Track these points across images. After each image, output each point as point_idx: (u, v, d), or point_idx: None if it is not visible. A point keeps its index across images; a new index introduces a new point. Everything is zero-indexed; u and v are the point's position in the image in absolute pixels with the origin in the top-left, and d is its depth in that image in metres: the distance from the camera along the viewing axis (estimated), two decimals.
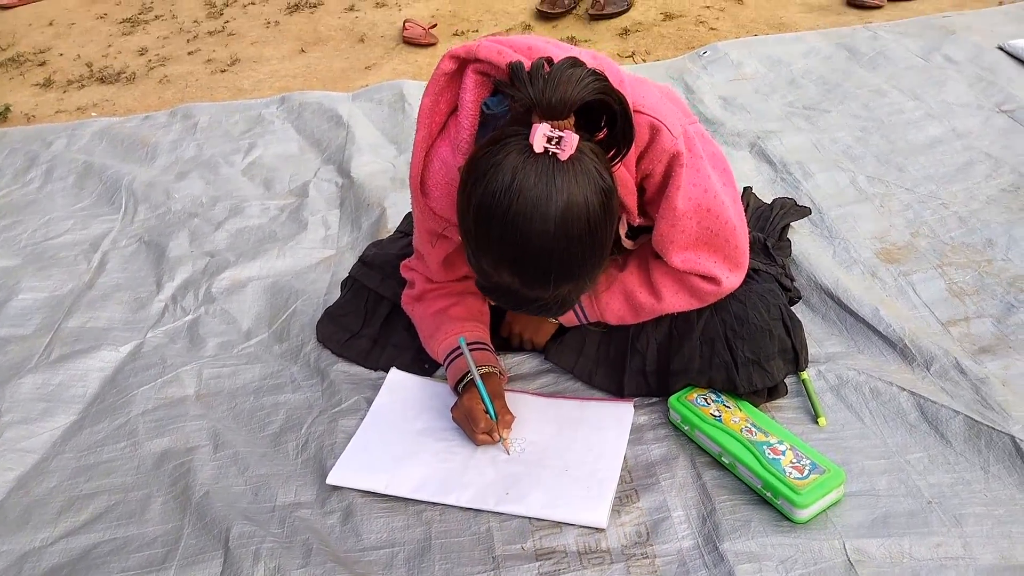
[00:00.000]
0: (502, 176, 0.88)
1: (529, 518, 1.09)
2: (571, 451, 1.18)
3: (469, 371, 1.20)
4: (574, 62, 0.90)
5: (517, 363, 1.38)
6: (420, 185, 1.13)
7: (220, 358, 1.49)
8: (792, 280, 1.39)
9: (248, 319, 1.59)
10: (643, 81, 1.13)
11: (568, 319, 1.30)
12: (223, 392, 1.41)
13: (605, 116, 0.94)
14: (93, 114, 2.62)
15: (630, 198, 1.11)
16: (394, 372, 1.33)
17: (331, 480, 1.16)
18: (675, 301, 1.21)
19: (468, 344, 1.25)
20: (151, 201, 2.02)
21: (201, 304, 1.64)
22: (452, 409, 1.22)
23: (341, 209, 1.90)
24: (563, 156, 0.88)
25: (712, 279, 1.19)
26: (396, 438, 1.22)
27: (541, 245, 0.89)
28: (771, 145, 1.87)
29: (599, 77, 0.90)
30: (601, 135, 0.95)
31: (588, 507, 1.08)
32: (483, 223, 0.91)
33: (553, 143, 0.88)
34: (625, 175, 1.08)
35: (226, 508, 1.15)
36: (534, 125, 0.89)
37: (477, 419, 1.18)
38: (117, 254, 1.86)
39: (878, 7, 2.63)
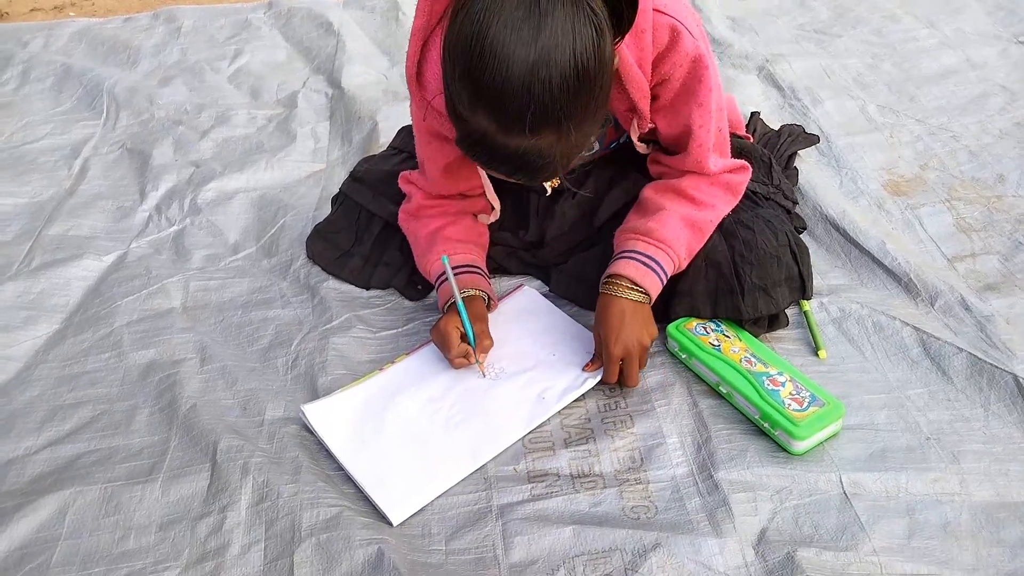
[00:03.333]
0: (483, 1, 0.82)
1: (559, 411, 1.11)
2: (536, 344, 1.20)
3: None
4: None
5: (513, 286, 1.34)
6: (416, 76, 1.07)
7: (207, 271, 1.45)
8: (794, 203, 1.35)
9: (235, 232, 1.54)
10: None
11: (651, 283, 1.12)
12: (210, 305, 1.37)
13: None
14: (71, 14, 2.50)
15: (644, 102, 1.07)
16: (309, 408, 1.13)
17: (397, 520, 1.00)
18: (723, 204, 1.16)
19: (459, 267, 1.22)
20: (133, 107, 1.94)
21: (187, 215, 1.59)
22: (432, 330, 1.19)
23: (331, 121, 1.83)
24: None
25: (740, 168, 1.17)
26: (392, 453, 1.08)
27: (518, 75, 0.81)
28: (780, 69, 1.81)
29: None
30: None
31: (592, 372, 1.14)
32: (460, 53, 0.84)
33: None
34: (640, 77, 1.04)
35: (214, 421, 1.13)
36: None
37: (450, 343, 1.14)
38: (99, 161, 1.79)
39: None
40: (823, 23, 2.01)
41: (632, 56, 1.02)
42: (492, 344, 1.18)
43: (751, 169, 1.19)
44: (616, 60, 0.97)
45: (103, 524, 1.03)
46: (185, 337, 1.29)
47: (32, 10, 2.52)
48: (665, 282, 1.14)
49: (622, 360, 1.11)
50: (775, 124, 1.61)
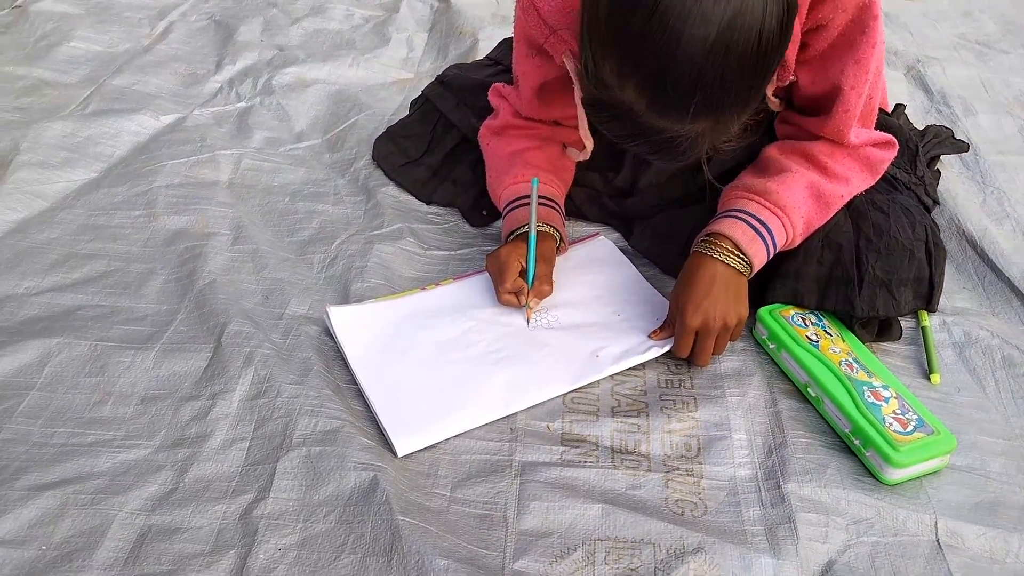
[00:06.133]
0: None
1: (612, 375, 0.96)
2: (600, 299, 1.05)
3: (527, 222, 1.01)
4: None
5: (587, 234, 1.18)
6: None
7: (264, 152, 1.33)
8: (936, 202, 1.16)
9: (303, 120, 1.43)
10: None
11: (758, 252, 0.95)
12: (258, 186, 1.25)
13: None
14: None
15: (790, 48, 0.89)
16: (335, 310, 0.99)
17: (402, 451, 0.86)
18: (859, 180, 0.98)
19: (539, 195, 1.06)
20: None
21: (258, 94, 1.48)
22: (488, 256, 1.03)
23: (430, 33, 1.70)
24: None
25: (886, 143, 0.98)
26: (414, 378, 0.94)
27: (692, 55, 0.67)
28: (932, 72, 1.60)
29: None
30: None
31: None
32: (619, 11, 0.69)
33: None
34: None
35: (229, 302, 1.01)
36: None
37: (506, 275, 0.99)
38: (184, 27, 1.70)
39: None
40: (988, 36, 1.79)
41: None
42: (551, 292, 1.03)
43: (897, 147, 1.01)
44: None
45: (82, 383, 0.92)
46: (223, 212, 1.18)
47: None
48: (771, 256, 0.96)
49: (696, 334, 0.94)
50: (919, 126, 1.41)
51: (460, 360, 0.96)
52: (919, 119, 1.46)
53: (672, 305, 0.97)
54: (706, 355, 0.94)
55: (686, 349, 0.94)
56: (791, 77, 0.95)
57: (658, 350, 0.97)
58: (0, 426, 0.87)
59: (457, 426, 0.89)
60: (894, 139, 1.00)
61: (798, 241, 0.97)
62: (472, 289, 1.06)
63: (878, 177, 1.00)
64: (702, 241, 0.96)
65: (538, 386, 0.94)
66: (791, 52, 0.91)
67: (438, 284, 1.07)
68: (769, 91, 0.97)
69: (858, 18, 0.88)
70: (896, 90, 1.55)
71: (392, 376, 0.94)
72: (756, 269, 0.96)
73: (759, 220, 0.94)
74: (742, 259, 0.93)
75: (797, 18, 0.87)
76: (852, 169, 0.97)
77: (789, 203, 0.93)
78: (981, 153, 1.37)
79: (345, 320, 0.99)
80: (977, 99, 1.53)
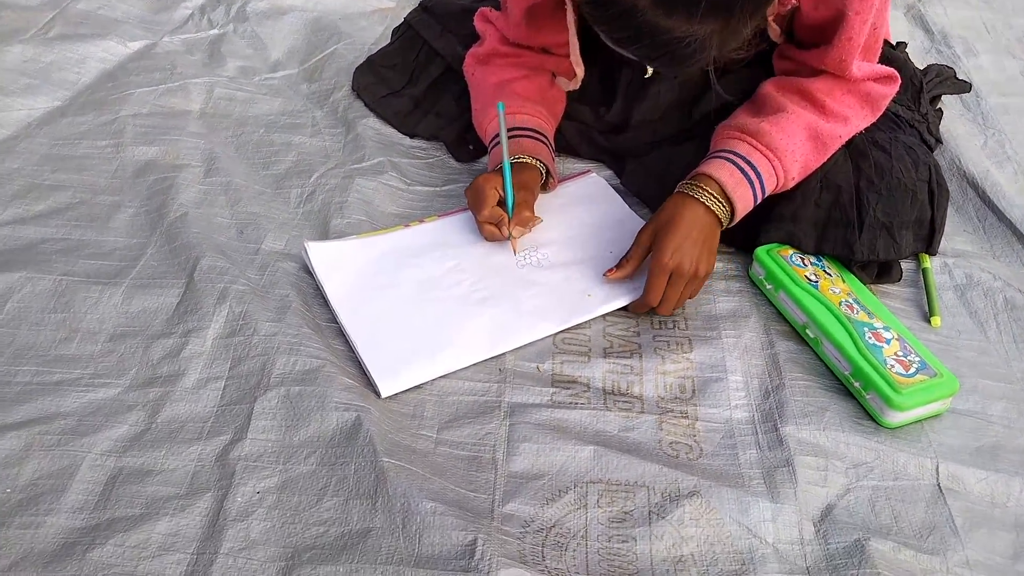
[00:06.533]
0: None
1: (604, 316, 0.92)
2: (592, 236, 1.01)
3: (513, 155, 0.96)
4: None
5: (577, 171, 1.14)
6: None
7: (238, 81, 1.26)
8: (938, 141, 1.13)
9: (279, 49, 1.36)
10: None
11: (743, 196, 0.90)
12: (232, 116, 1.19)
13: None
14: None
15: None
16: (313, 246, 0.94)
17: (386, 392, 0.82)
18: (858, 119, 0.93)
19: (521, 128, 1.01)
20: None
21: (231, 21, 1.40)
22: (466, 189, 0.98)
23: None
24: None
25: (887, 78, 0.94)
26: (398, 316, 0.90)
27: None
28: (932, 12, 1.55)
29: None
30: None
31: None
32: None
33: None
34: None
35: (201, 237, 0.96)
36: None
37: (482, 202, 0.93)
38: None
39: None
40: None
41: None
42: (533, 219, 0.97)
43: (899, 82, 0.96)
44: None
45: (48, 320, 0.87)
46: (195, 143, 1.12)
47: None
48: (759, 202, 0.92)
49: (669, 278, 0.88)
50: (919, 66, 1.36)
51: (444, 299, 0.92)
52: (919, 59, 1.42)
53: (641, 243, 0.91)
54: (671, 302, 0.89)
55: (658, 291, 0.88)
56: (792, 2, 0.90)
57: (626, 299, 0.93)
58: None
59: (443, 367, 0.85)
60: (896, 73, 0.95)
61: (791, 184, 0.92)
62: (457, 226, 1.02)
63: (879, 114, 0.95)
64: (687, 182, 0.91)
65: (526, 326, 0.90)
66: None
67: (422, 221, 1.02)
68: (770, 17, 0.92)
69: None
70: (896, 29, 1.50)
71: (374, 315, 0.89)
72: (739, 216, 0.91)
73: (748, 162, 0.89)
74: (724, 207, 0.89)
75: None
76: (851, 107, 0.92)
77: (782, 145, 0.89)
78: (982, 95, 1.33)
79: (325, 256, 0.94)
80: (979, 40, 1.49)
